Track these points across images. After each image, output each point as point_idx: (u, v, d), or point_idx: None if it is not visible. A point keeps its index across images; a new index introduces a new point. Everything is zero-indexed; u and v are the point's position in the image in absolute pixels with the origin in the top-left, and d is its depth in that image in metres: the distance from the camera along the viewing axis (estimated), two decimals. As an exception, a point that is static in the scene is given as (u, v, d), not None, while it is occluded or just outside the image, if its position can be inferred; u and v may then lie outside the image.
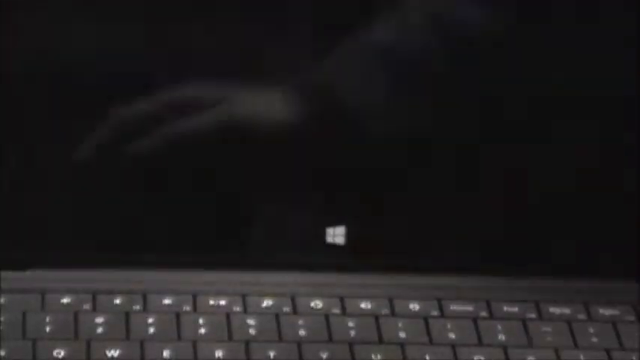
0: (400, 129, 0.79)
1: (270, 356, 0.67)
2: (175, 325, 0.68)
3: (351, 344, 0.68)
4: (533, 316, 0.72)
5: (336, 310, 0.71)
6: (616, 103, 0.81)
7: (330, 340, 0.68)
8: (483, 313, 0.72)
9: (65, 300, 0.69)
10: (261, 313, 0.70)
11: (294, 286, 0.73)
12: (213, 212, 0.77)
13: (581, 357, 0.69)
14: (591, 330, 0.71)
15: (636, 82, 0.81)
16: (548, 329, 0.71)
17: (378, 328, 0.70)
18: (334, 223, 0.75)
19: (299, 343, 0.68)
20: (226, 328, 0.69)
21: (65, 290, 0.70)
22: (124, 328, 0.67)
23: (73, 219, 0.76)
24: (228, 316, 0.69)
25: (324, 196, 0.77)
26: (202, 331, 0.68)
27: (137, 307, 0.69)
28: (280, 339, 0.68)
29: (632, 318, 0.72)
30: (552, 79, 0.81)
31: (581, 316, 0.72)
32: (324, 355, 0.67)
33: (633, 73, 0.82)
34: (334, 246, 0.75)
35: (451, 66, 0.80)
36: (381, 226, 0.77)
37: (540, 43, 0.81)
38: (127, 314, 0.69)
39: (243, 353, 0.67)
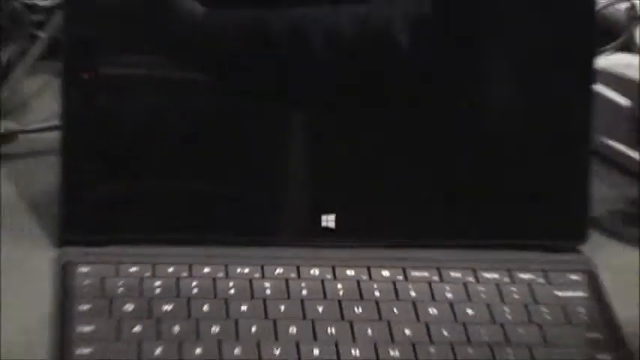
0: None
1: (281, 309, 0.73)
2: (212, 288, 0.74)
3: (340, 301, 0.75)
4: (471, 279, 0.78)
5: (329, 276, 0.77)
6: (540, 80, 0.83)
7: (325, 297, 0.75)
8: (435, 278, 0.77)
9: (132, 269, 0.75)
10: (274, 278, 0.76)
11: (298, 259, 0.78)
12: (243, 205, 0.81)
13: (505, 309, 0.75)
14: (513, 289, 0.77)
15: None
16: (482, 289, 0.77)
17: (359, 289, 0.76)
18: (327, 212, 0.80)
19: (302, 300, 0.74)
20: (249, 289, 0.75)
21: (133, 262, 0.76)
22: (175, 290, 0.74)
23: (138, 209, 0.80)
24: (250, 281, 0.75)
25: (322, 194, 0.82)
26: (232, 292, 0.74)
27: (184, 274, 0.75)
28: (288, 297, 0.75)
29: (542, 281, 0.78)
30: (478, 69, 0.83)
31: (506, 280, 0.78)
32: (320, 309, 0.74)
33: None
34: (327, 229, 0.80)
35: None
36: (360, 214, 0.81)
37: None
38: (177, 279, 0.75)
39: (262, 309, 0.73)
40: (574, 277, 0.79)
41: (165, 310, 0.73)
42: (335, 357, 0.71)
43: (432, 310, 0.75)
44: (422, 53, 0.81)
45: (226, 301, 0.74)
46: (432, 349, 0.72)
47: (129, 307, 0.73)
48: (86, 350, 0.69)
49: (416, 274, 0.78)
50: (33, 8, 0.93)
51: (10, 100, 0.89)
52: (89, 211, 0.80)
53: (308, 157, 0.83)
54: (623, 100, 0.89)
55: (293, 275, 0.77)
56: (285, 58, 0.80)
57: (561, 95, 0.83)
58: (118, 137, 0.80)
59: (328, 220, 0.81)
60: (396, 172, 0.82)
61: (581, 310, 0.76)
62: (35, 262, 0.77)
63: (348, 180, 0.82)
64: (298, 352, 0.71)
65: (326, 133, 0.82)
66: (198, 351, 0.70)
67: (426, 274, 0.78)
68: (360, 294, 0.76)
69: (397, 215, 0.82)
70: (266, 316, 0.73)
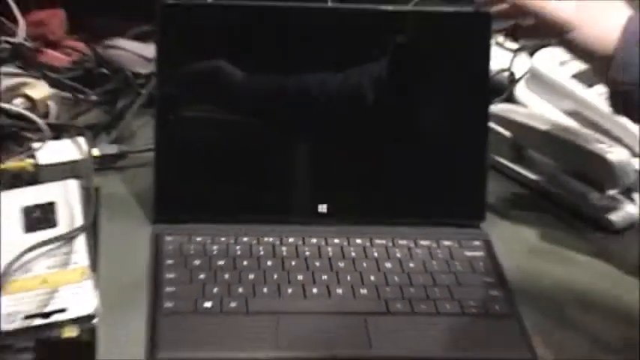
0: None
1: (292, 264, 0.72)
2: (249, 250, 0.73)
3: (329, 259, 0.73)
4: (412, 245, 0.76)
5: (323, 244, 0.75)
6: (454, 117, 0.80)
7: (320, 257, 0.73)
8: (390, 244, 0.76)
9: (199, 238, 0.74)
10: (288, 245, 0.74)
11: (303, 233, 0.76)
12: (269, 199, 0.78)
13: (434, 263, 0.74)
14: (439, 251, 0.75)
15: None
16: (419, 251, 0.75)
17: (342, 252, 0.74)
18: (322, 203, 0.78)
19: (305, 258, 0.73)
20: (272, 251, 0.73)
21: (199, 234, 0.74)
22: (225, 252, 0.73)
23: (203, 201, 0.78)
24: (273, 246, 0.74)
25: (319, 192, 0.79)
26: (261, 253, 0.73)
27: (231, 242, 0.74)
28: (297, 257, 0.73)
29: (457, 245, 0.76)
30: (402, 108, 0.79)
31: (434, 245, 0.76)
32: (317, 264, 0.72)
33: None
34: (322, 214, 0.78)
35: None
36: (343, 204, 0.78)
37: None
38: (227, 245, 0.73)
39: (280, 264, 0.72)
40: (476, 243, 0.77)
41: (219, 265, 0.72)
42: (327, 294, 0.70)
43: (388, 265, 0.74)
44: (376, 101, 0.79)
45: (258, 259, 0.73)
46: (387, 289, 0.71)
47: (196, 262, 0.72)
48: (170, 289, 0.69)
49: (377, 241, 0.76)
50: (137, 75, 0.93)
51: (124, 132, 0.88)
52: (171, 202, 0.78)
53: (310, 169, 0.80)
54: (506, 132, 0.88)
55: (300, 243, 0.75)
56: (294, 104, 0.79)
57: (468, 127, 0.80)
58: (190, 155, 0.79)
59: (322, 208, 0.79)
60: (364, 179, 0.80)
61: (481, 263, 0.75)
62: (137, 234, 0.76)
63: (334, 184, 0.80)
64: (304, 291, 0.70)
65: (320, 155, 0.80)
66: (240, 290, 0.70)
67: (384, 241, 0.76)
68: (342, 254, 0.75)
69: (366, 205, 0.80)
70: (283, 269, 0.72)
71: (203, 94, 0.79)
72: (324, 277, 0.72)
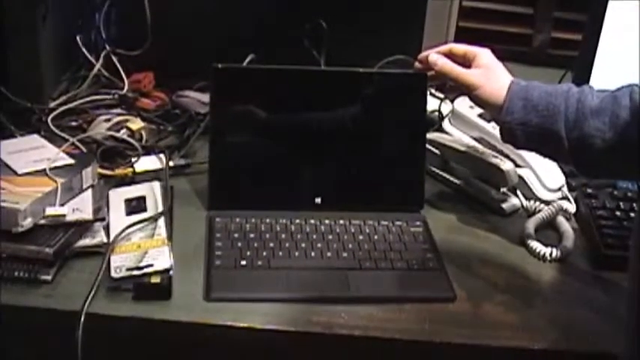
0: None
1: (298, 237, 0.70)
2: (270, 228, 0.71)
3: (322, 234, 0.72)
4: (376, 224, 0.74)
5: (318, 223, 0.73)
6: (399, 140, 0.77)
7: (316, 231, 0.72)
8: (362, 223, 0.74)
9: (238, 219, 0.72)
10: (295, 224, 0.72)
11: (305, 216, 0.73)
12: (285, 194, 0.76)
13: (390, 236, 0.72)
14: (393, 228, 0.74)
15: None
16: (381, 228, 0.73)
17: (331, 228, 0.73)
18: (317, 196, 0.76)
19: (307, 233, 0.71)
20: (285, 229, 0.71)
21: (238, 217, 0.72)
22: (255, 229, 0.71)
23: (241, 195, 0.75)
24: (286, 225, 0.72)
25: (316, 189, 0.76)
26: (278, 229, 0.71)
27: (259, 222, 0.72)
28: (301, 232, 0.71)
29: (405, 225, 0.74)
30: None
31: (390, 224, 0.74)
32: (314, 236, 0.71)
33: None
34: (317, 204, 0.76)
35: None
36: (331, 197, 0.76)
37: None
38: (256, 224, 0.71)
39: (290, 237, 0.70)
40: (418, 222, 0.75)
41: (251, 237, 0.71)
42: (320, 256, 0.70)
43: (360, 237, 0.73)
44: (353, 130, 0.78)
45: (276, 233, 0.72)
46: (360, 253, 0.70)
47: (236, 235, 0.71)
48: (219, 253, 0.68)
49: (354, 222, 0.74)
50: (198, 114, 0.91)
51: (189, 151, 0.86)
52: (220, 197, 0.76)
53: (310, 175, 0.78)
54: (437, 151, 0.86)
55: (303, 223, 0.73)
56: (302, 133, 0.78)
57: (413, 147, 0.78)
58: (232, 167, 0.77)
59: (318, 200, 0.77)
60: (345, 181, 0.78)
61: (421, 236, 0.74)
62: (197, 217, 0.74)
63: (326, 184, 0.78)
64: (305, 254, 0.69)
65: (317, 165, 0.78)
66: (264, 253, 0.69)
67: (358, 222, 0.75)
68: (330, 230, 0.73)
69: (346, 198, 0.78)
70: (292, 239, 0.71)
71: (240, 126, 0.77)
72: (319, 245, 0.71)
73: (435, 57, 0.67)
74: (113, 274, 0.63)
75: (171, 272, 0.63)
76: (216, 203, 0.75)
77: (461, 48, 0.67)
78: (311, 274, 0.67)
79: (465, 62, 0.66)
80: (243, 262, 0.67)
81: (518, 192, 0.81)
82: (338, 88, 0.77)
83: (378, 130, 0.78)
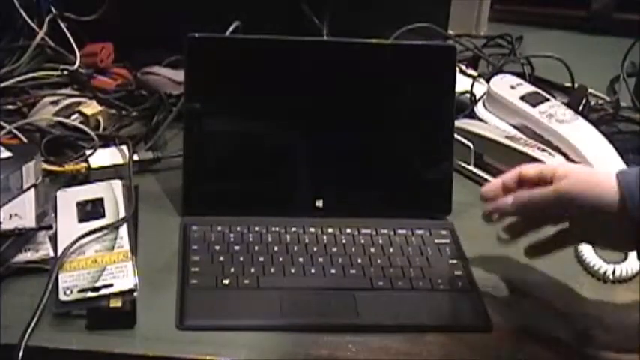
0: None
1: (295, 249, 0.71)
2: (259, 238, 0.72)
3: (325, 245, 0.72)
4: (392, 234, 0.74)
5: (319, 232, 0.74)
6: (427, 127, 0.78)
7: (317, 242, 0.72)
8: (374, 233, 0.74)
9: (219, 227, 0.73)
10: (291, 233, 0.73)
11: (303, 223, 0.75)
12: (277, 196, 0.77)
13: (409, 249, 0.73)
14: (413, 239, 0.74)
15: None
16: (398, 239, 0.74)
17: (335, 239, 0.73)
18: (318, 199, 0.77)
19: (305, 244, 0.72)
20: (278, 238, 0.72)
21: (219, 224, 0.73)
22: (240, 239, 0.72)
23: (221, 198, 0.76)
24: (279, 234, 0.73)
25: (316, 191, 0.77)
26: (269, 239, 0.72)
27: (245, 230, 0.72)
28: (299, 242, 0.72)
29: (428, 234, 0.75)
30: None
31: (409, 234, 0.75)
32: (315, 248, 0.71)
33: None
34: (319, 208, 0.77)
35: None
36: (335, 201, 0.77)
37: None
38: (242, 233, 0.72)
39: (285, 249, 0.71)
40: (444, 232, 0.76)
41: (235, 249, 0.71)
42: (322, 273, 0.70)
43: (372, 249, 0.73)
44: (363, 118, 0.78)
45: (267, 244, 0.72)
46: (372, 269, 0.71)
47: (217, 247, 0.71)
48: (195, 269, 0.69)
49: (364, 230, 0.75)
50: (169, 95, 0.92)
51: (158, 142, 0.86)
52: (197, 199, 0.77)
53: (310, 171, 0.79)
54: (468, 143, 0.86)
55: (300, 231, 0.74)
56: (297, 120, 0.78)
57: (438, 138, 0.79)
58: (212, 161, 0.78)
59: (319, 203, 0.78)
60: (353, 179, 0.79)
61: (448, 249, 0.74)
62: (169, 224, 0.75)
63: (329, 184, 0.78)
64: (304, 271, 0.70)
65: (318, 158, 0.79)
66: (252, 270, 0.69)
67: (369, 231, 0.75)
68: (335, 241, 0.74)
69: (354, 201, 0.79)
70: (287, 253, 0.72)
71: (222, 112, 0.78)
72: (320, 259, 0.71)
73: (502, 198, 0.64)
74: (62, 296, 0.63)
75: (135, 294, 0.63)
76: (192, 207, 0.76)
77: (532, 169, 0.64)
78: (310, 295, 0.67)
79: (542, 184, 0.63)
80: (226, 281, 0.67)
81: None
82: (344, 64, 0.77)
83: (394, 117, 0.79)
